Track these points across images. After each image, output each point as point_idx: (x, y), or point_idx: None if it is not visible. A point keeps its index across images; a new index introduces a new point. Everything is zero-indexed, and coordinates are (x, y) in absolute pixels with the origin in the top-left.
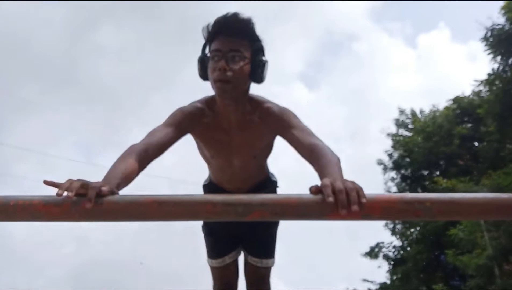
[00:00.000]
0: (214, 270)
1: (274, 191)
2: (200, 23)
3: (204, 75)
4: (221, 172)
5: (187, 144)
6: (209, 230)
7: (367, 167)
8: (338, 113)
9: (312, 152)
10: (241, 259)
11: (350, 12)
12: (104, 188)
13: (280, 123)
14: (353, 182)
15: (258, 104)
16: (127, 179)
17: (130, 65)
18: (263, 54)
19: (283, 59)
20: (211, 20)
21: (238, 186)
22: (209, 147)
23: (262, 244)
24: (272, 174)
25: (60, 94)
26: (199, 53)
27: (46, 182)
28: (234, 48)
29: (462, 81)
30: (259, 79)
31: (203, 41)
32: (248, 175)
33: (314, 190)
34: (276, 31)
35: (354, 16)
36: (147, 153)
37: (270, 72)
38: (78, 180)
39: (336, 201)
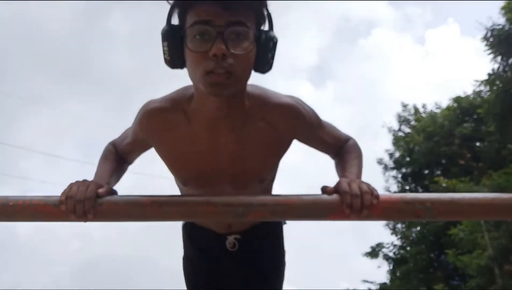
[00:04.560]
0: None
1: (281, 234)
2: None
3: (176, 61)
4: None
5: None
6: (194, 261)
7: (372, 165)
8: (344, 109)
9: (337, 150)
10: None
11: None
12: (101, 190)
13: (303, 127)
14: (368, 185)
15: (261, 101)
16: (118, 175)
17: (140, 53)
18: (271, 27)
19: (290, 50)
20: None
21: (230, 224)
22: (177, 168)
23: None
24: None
25: (69, 84)
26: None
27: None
28: (235, 19)
29: (470, 77)
30: (268, 67)
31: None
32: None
33: (330, 191)
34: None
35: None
36: (123, 156)
37: (279, 65)
38: (77, 185)
39: (350, 205)
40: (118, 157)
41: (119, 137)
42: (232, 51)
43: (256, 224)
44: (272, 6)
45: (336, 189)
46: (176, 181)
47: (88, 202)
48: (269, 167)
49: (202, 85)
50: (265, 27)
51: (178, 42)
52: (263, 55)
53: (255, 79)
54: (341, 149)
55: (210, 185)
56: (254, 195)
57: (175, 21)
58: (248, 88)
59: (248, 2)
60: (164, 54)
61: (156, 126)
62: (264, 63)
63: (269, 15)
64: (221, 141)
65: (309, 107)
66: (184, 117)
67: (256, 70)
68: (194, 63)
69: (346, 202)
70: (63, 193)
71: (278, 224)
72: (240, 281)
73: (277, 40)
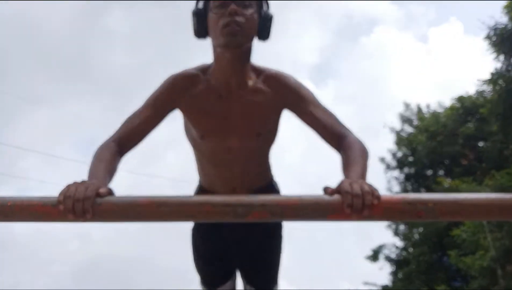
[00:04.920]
0: None
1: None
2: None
3: (201, 31)
4: (213, 164)
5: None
6: (199, 255)
7: (374, 165)
8: (346, 108)
9: (340, 143)
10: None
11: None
12: (102, 190)
13: (297, 95)
14: (370, 185)
15: (263, 71)
16: (111, 176)
17: (140, 52)
18: (268, 7)
19: (295, 48)
20: None
21: (234, 186)
22: (199, 121)
23: (263, 270)
24: (276, 182)
25: (68, 84)
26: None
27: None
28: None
29: (473, 77)
30: (267, 34)
31: None
32: (249, 168)
33: (331, 191)
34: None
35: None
36: (124, 146)
37: (281, 63)
38: (75, 185)
39: (351, 205)
40: (113, 152)
41: (118, 129)
42: (242, 11)
43: (258, 191)
44: (274, 6)
45: (338, 189)
46: (194, 139)
47: (88, 202)
48: (264, 123)
49: (221, 36)
50: (265, 7)
51: (204, 18)
52: (263, 26)
53: None
54: (345, 142)
55: (222, 136)
56: (254, 195)
57: (199, 5)
58: (254, 63)
59: None
60: (194, 26)
61: (183, 86)
62: (264, 32)
63: (266, 1)
64: (231, 97)
65: (301, 84)
66: (205, 78)
67: (258, 37)
68: (215, 22)
69: (347, 202)
70: (61, 193)
71: (277, 193)
72: (246, 250)
73: (272, 16)
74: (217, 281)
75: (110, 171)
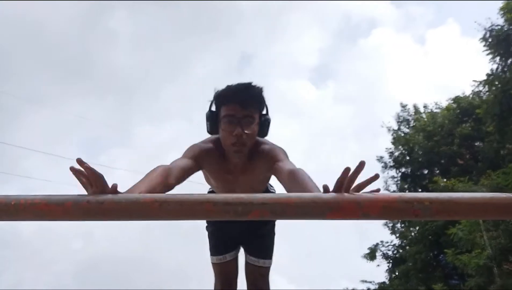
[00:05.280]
0: (215, 266)
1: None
2: (216, 12)
3: (213, 131)
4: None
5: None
6: (212, 231)
7: (371, 165)
8: (345, 109)
9: (290, 174)
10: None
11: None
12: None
13: (270, 158)
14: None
15: (257, 146)
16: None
17: (143, 54)
18: (267, 113)
19: (296, 49)
20: (222, 86)
21: (234, 189)
22: (215, 182)
23: (261, 246)
24: (271, 185)
25: (71, 84)
26: (215, 44)
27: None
28: (247, 114)
29: (470, 78)
30: (265, 135)
31: (214, 88)
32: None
33: (328, 189)
34: (291, 17)
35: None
36: (171, 173)
37: (281, 64)
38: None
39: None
40: (163, 177)
41: (172, 162)
42: (246, 131)
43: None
44: (275, 7)
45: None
46: (211, 186)
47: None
48: (257, 182)
49: (229, 149)
50: (264, 110)
51: (215, 121)
52: (262, 128)
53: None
54: (295, 174)
55: (230, 188)
56: (254, 194)
57: (213, 107)
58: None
59: (255, 105)
60: (207, 127)
61: (203, 156)
62: (263, 133)
63: (266, 106)
64: (238, 170)
65: (283, 150)
66: (219, 154)
67: (258, 136)
68: (225, 136)
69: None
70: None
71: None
72: (247, 230)
73: (270, 120)
74: (224, 249)
75: (152, 185)
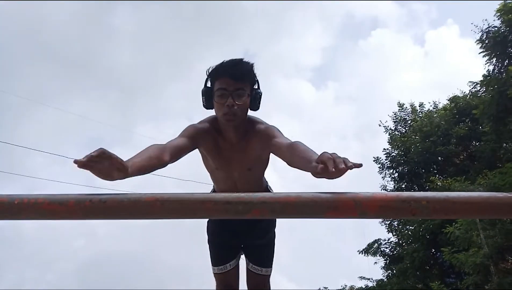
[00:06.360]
0: (217, 276)
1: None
2: (220, 11)
3: (209, 105)
4: (223, 183)
5: None
6: (213, 243)
7: (370, 164)
8: (345, 109)
9: (289, 147)
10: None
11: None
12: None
13: (265, 137)
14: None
15: (252, 125)
16: (145, 164)
17: (146, 52)
18: (258, 87)
19: (297, 49)
20: (217, 62)
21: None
22: (213, 161)
23: (263, 255)
24: (270, 187)
25: (75, 83)
26: (218, 42)
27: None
28: (239, 87)
29: (468, 78)
30: (256, 107)
31: (209, 66)
32: (247, 186)
33: (316, 161)
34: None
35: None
36: (165, 150)
37: (283, 64)
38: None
39: (337, 167)
40: (158, 151)
41: (166, 142)
42: (237, 102)
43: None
44: (278, 6)
45: (321, 158)
46: (211, 167)
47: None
48: (252, 161)
49: (221, 119)
50: (256, 85)
51: (210, 96)
52: (254, 102)
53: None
54: (295, 145)
55: (229, 169)
56: (254, 193)
57: (208, 83)
58: (249, 117)
59: (246, 78)
60: (203, 102)
61: (200, 136)
62: (255, 106)
63: (257, 80)
64: (234, 147)
65: (277, 129)
66: (215, 132)
67: (250, 109)
68: (217, 108)
69: (331, 164)
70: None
71: None
72: (248, 239)
73: (261, 93)
74: (225, 259)
75: (146, 158)
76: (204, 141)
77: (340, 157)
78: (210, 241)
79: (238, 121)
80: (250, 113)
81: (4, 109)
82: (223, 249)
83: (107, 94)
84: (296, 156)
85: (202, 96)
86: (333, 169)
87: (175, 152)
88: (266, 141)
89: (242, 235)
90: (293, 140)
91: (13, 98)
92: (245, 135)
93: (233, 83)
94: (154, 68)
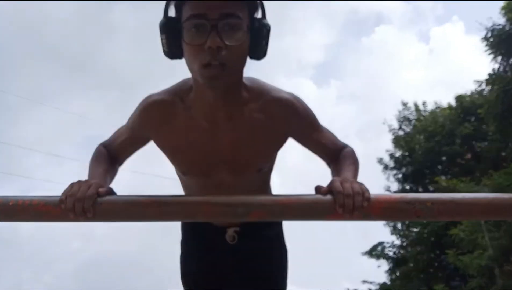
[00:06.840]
0: None
1: (280, 231)
2: None
3: (174, 52)
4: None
5: None
6: (188, 280)
7: (374, 165)
8: (348, 108)
9: (333, 157)
10: None
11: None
12: (102, 190)
13: (299, 125)
14: (361, 185)
15: (259, 93)
16: (111, 178)
17: (145, 50)
18: (264, 15)
19: (297, 46)
20: None
21: (231, 221)
22: (176, 157)
23: None
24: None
25: (72, 82)
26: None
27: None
28: (227, 11)
29: (473, 77)
30: (262, 54)
31: None
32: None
33: (323, 191)
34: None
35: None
36: (116, 159)
37: (285, 61)
38: (78, 184)
39: (343, 205)
40: (110, 158)
41: (110, 138)
42: (226, 42)
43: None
44: (280, 1)
45: (330, 188)
46: (176, 171)
47: (89, 201)
48: (265, 157)
49: (200, 77)
50: (258, 14)
51: (176, 34)
52: (257, 42)
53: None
54: (337, 156)
55: (209, 173)
56: (253, 195)
57: (172, 13)
58: (247, 81)
59: None
60: (163, 46)
61: (157, 117)
62: (259, 51)
63: (261, 2)
64: (219, 129)
65: (308, 107)
66: (183, 107)
67: (251, 57)
68: (191, 55)
69: (339, 202)
70: (63, 193)
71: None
72: (240, 277)
73: (270, 27)
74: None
75: (110, 171)
76: (162, 124)
77: (351, 189)
78: (187, 257)
79: (228, 78)
80: (250, 74)
81: (3, 109)
82: (202, 280)
83: (107, 93)
84: (332, 165)
85: (162, 33)
86: (341, 211)
87: (125, 157)
88: (300, 131)
89: (231, 260)
90: (339, 144)
91: (12, 97)
92: (245, 107)
93: (217, 6)
94: (154, 67)
